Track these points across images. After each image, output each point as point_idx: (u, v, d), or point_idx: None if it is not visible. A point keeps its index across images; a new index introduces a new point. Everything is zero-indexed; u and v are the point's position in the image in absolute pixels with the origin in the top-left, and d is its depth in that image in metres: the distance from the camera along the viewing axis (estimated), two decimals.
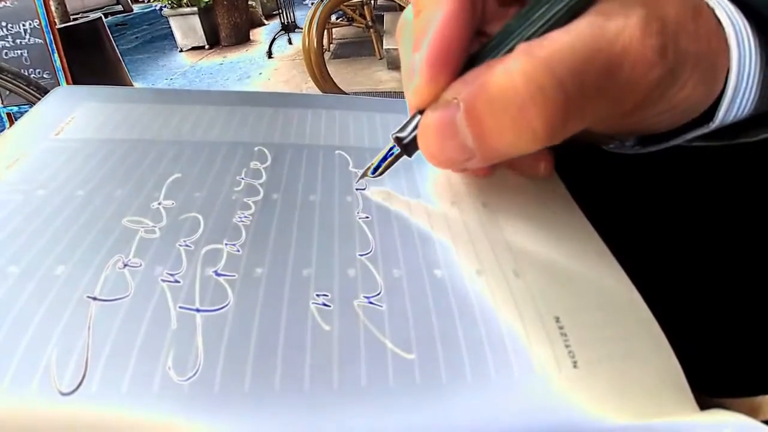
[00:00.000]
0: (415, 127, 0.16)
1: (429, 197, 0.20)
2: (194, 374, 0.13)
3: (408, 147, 0.17)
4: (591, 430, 0.12)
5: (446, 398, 0.13)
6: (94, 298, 0.14)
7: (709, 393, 0.14)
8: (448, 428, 0.12)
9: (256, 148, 0.22)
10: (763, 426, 0.12)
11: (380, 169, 0.19)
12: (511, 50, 0.13)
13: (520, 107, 0.12)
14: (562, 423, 0.13)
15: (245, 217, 0.18)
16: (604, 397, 0.13)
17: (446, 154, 0.15)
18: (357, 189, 0.20)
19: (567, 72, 0.12)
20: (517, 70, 0.12)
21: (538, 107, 0.12)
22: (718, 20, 0.14)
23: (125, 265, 0.15)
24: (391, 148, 0.18)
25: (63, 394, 0.12)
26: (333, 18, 2.98)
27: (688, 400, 0.13)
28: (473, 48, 0.15)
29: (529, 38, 0.13)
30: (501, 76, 0.13)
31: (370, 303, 0.15)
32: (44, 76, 1.68)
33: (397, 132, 0.17)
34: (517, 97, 0.12)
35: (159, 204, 0.18)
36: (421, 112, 0.16)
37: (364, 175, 0.19)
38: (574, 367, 0.14)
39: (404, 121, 0.17)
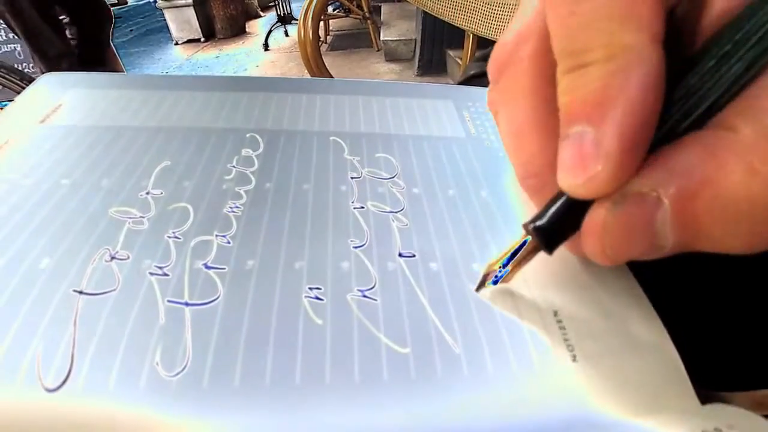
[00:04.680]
0: (561, 217, 0.13)
1: (427, 187, 0.19)
2: (183, 369, 0.12)
3: (552, 242, 0.13)
4: (591, 424, 0.12)
5: (442, 393, 0.12)
6: (81, 292, 0.14)
7: (710, 387, 0.13)
8: (443, 424, 0.12)
9: (247, 135, 0.22)
10: (766, 420, 0.12)
11: (510, 272, 0.14)
12: (707, 114, 0.11)
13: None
14: (561, 417, 0.12)
15: (236, 207, 0.17)
16: (604, 392, 0.13)
17: (629, 254, 0.12)
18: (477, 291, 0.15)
19: None
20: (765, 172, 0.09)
21: None
22: None
23: (112, 258, 0.15)
24: (523, 243, 0.14)
25: (48, 390, 0.12)
26: (329, 9, 2.96)
27: (689, 394, 0.13)
28: None
29: (721, 98, 0.10)
30: (744, 178, 0.10)
31: (364, 296, 0.15)
32: (38, 70, 1.66)
33: (536, 221, 0.13)
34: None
35: (147, 193, 0.18)
36: (576, 201, 0.12)
37: (485, 281, 0.15)
38: (573, 361, 0.13)
39: (540, 209, 0.13)
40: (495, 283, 0.14)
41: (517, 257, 0.14)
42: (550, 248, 0.13)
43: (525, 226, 0.13)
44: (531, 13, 0.14)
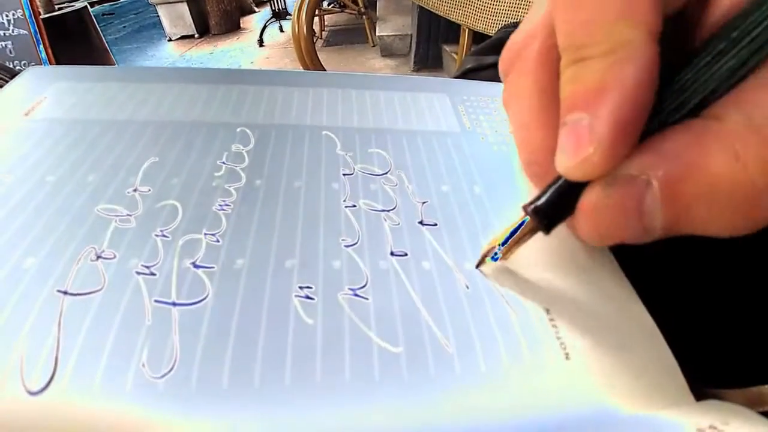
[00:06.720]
0: (557, 198, 0.13)
1: (420, 184, 0.19)
2: (170, 371, 0.12)
3: (550, 223, 0.14)
4: (584, 423, 0.12)
5: (434, 393, 0.12)
6: (65, 293, 0.14)
7: (705, 384, 0.13)
8: (436, 424, 0.12)
9: (238, 129, 0.21)
10: (761, 417, 0.11)
11: (509, 250, 0.15)
12: (699, 107, 0.11)
13: (752, 201, 0.10)
14: (554, 416, 0.12)
15: (226, 204, 0.17)
16: (598, 390, 0.13)
17: (620, 235, 0.12)
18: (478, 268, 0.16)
19: None
20: (752, 157, 0.10)
21: None
22: None
23: (98, 257, 0.15)
24: (521, 223, 0.14)
25: (31, 393, 0.11)
26: (324, 4, 2.94)
27: (683, 391, 0.13)
28: None
29: (714, 92, 0.11)
30: (728, 163, 0.10)
31: (356, 295, 0.14)
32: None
33: (534, 203, 0.14)
34: (752, 191, 0.10)
35: (135, 191, 0.17)
36: (572, 183, 0.13)
37: (485, 257, 0.15)
38: (566, 359, 0.13)
39: (539, 192, 0.14)
40: (494, 259, 0.15)
41: (515, 236, 0.15)
42: (547, 228, 0.14)
43: (524, 207, 0.14)
44: (539, 15, 0.15)
